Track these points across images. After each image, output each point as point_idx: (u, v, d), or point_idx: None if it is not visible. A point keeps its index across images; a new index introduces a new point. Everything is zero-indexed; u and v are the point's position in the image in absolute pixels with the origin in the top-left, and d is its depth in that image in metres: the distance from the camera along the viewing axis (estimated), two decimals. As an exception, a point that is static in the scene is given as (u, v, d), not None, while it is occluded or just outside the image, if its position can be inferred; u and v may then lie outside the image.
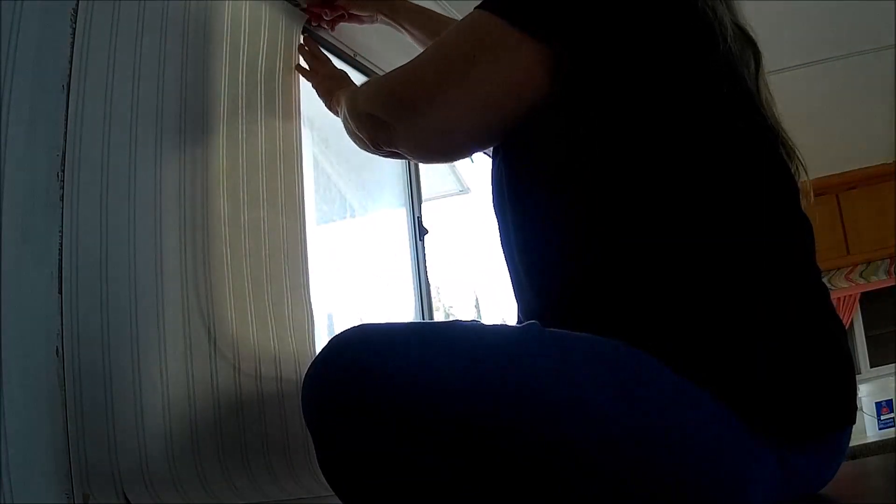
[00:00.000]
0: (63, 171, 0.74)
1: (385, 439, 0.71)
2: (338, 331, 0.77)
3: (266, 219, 1.22)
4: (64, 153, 0.74)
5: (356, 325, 0.77)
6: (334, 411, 0.72)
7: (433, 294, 2.16)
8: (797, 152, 0.88)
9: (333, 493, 0.77)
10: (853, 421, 0.81)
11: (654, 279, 0.76)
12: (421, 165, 2.10)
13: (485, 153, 1.18)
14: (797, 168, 0.87)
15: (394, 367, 0.71)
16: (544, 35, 0.81)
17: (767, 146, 0.84)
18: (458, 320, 0.79)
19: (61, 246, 0.74)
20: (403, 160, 1.58)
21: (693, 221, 0.77)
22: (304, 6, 1.40)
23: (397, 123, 0.92)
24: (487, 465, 0.70)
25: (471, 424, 0.70)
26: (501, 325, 0.80)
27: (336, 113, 1.25)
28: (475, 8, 0.88)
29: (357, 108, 1.00)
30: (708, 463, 0.72)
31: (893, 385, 3.89)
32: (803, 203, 0.86)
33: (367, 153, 1.05)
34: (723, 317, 0.75)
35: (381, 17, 1.43)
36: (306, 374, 0.76)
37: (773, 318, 0.76)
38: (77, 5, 0.79)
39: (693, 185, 0.78)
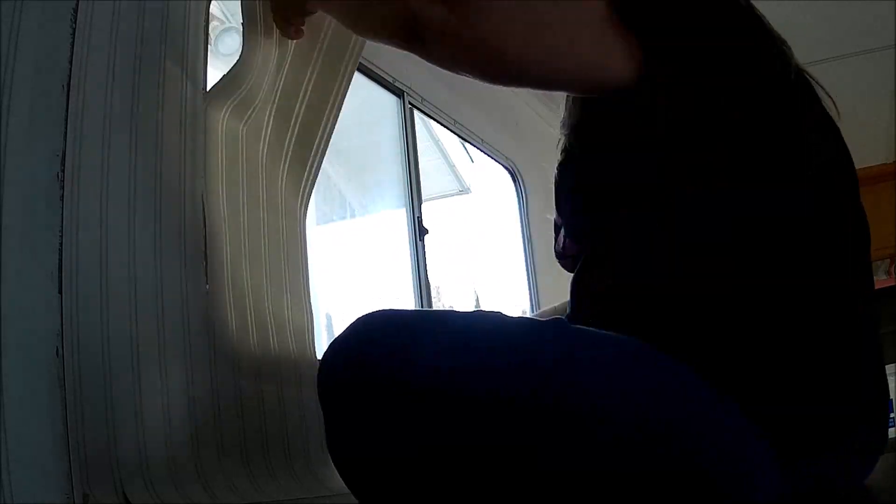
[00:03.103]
0: (63, 171, 0.74)
1: (402, 423, 0.71)
2: (337, 331, 0.77)
3: (266, 220, 1.22)
4: (64, 153, 0.74)
5: (383, 308, 0.77)
6: (353, 391, 0.72)
7: (433, 294, 2.16)
8: None
9: (333, 493, 0.77)
10: (885, 445, 0.83)
11: (702, 291, 0.77)
12: (420, 165, 2.10)
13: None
14: None
15: (417, 353, 0.71)
16: None
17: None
18: (482, 311, 0.79)
19: (61, 246, 0.74)
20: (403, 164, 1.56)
21: (745, 236, 0.78)
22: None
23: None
24: (504, 456, 0.70)
25: (489, 418, 0.70)
26: (527, 318, 0.80)
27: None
28: None
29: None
30: (724, 465, 0.72)
31: (893, 385, 3.89)
32: None
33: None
34: (760, 331, 0.76)
35: None
36: (327, 352, 0.75)
37: (810, 337, 0.77)
38: (77, 5, 0.79)
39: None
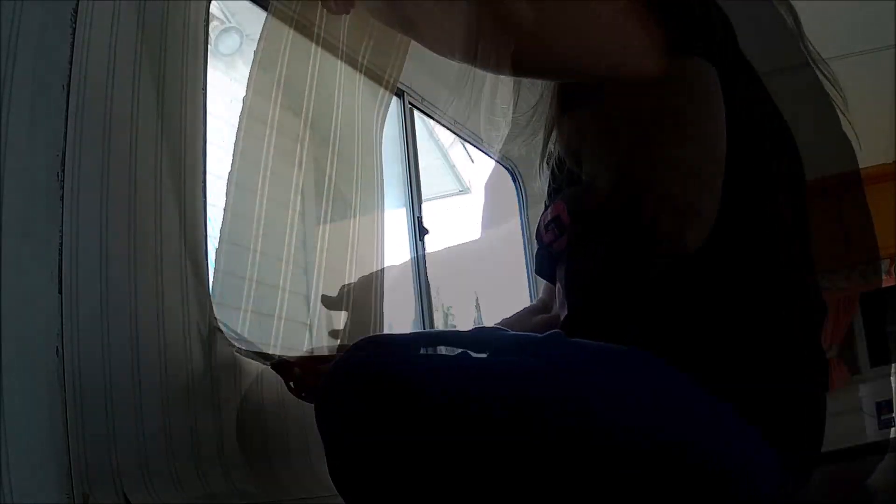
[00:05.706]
0: (63, 171, 0.74)
1: (401, 447, 0.70)
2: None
3: (289, 220, 1.22)
4: (64, 153, 0.74)
5: (377, 334, 0.77)
6: (351, 417, 0.72)
7: (433, 294, 2.16)
8: None
9: (334, 494, 0.77)
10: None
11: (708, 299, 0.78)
12: (421, 166, 2.11)
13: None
14: None
15: (413, 377, 0.71)
16: None
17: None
18: (479, 328, 0.79)
19: (61, 246, 0.74)
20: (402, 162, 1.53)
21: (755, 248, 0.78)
22: None
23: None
24: (505, 474, 0.70)
25: (491, 432, 0.70)
26: (524, 335, 0.79)
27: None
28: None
29: None
30: (729, 466, 0.73)
31: (893, 385, 3.89)
32: None
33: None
34: (763, 340, 0.76)
35: None
36: (323, 380, 0.75)
37: (807, 340, 0.77)
38: (77, 5, 0.79)
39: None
